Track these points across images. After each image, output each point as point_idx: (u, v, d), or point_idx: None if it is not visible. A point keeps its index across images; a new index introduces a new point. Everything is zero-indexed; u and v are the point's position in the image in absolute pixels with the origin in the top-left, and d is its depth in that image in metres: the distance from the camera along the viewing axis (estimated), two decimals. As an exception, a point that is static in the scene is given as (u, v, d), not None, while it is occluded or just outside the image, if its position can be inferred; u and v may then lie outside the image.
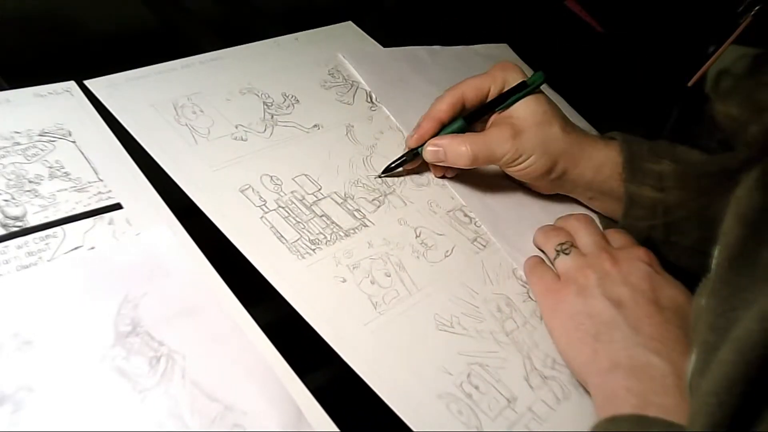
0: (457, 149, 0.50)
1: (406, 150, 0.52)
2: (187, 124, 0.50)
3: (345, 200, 0.49)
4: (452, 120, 0.52)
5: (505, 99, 0.51)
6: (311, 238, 0.45)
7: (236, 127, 0.51)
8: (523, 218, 0.53)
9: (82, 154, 0.45)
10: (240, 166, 0.48)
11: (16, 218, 0.39)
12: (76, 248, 0.39)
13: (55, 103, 0.47)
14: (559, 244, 0.47)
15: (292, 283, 0.42)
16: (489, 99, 0.52)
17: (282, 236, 0.44)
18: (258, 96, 0.55)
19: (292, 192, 0.48)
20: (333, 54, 0.63)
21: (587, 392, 0.42)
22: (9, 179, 0.41)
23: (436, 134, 0.51)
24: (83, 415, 0.32)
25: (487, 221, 0.52)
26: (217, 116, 0.52)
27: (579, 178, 0.52)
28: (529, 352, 0.44)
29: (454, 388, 0.40)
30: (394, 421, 0.37)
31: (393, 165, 0.52)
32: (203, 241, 0.42)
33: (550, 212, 0.55)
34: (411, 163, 0.52)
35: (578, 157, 0.51)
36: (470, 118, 0.52)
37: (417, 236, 0.49)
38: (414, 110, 0.57)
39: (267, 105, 0.54)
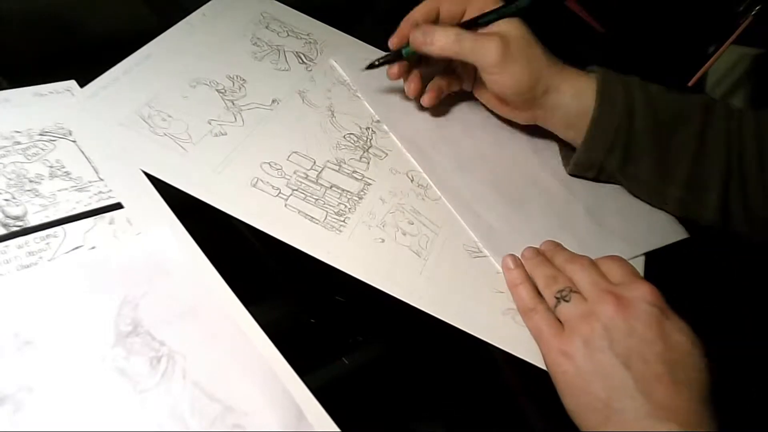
0: (445, 31, 0.51)
1: (388, 53, 0.54)
2: (165, 134, 0.48)
3: (340, 166, 0.51)
4: None
5: (494, 15, 0.52)
6: (335, 210, 0.48)
7: (209, 123, 0.50)
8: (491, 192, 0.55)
9: (83, 153, 0.45)
10: (236, 161, 0.49)
11: (16, 218, 0.39)
12: (76, 248, 0.39)
13: (56, 103, 0.47)
14: (558, 291, 0.45)
15: (340, 258, 0.45)
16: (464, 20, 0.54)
17: (312, 217, 0.47)
18: (208, 85, 0.54)
19: (294, 172, 0.49)
20: (243, 22, 0.62)
21: None
22: (9, 179, 0.41)
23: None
24: (83, 415, 0.32)
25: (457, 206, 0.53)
26: (186, 117, 0.50)
27: (559, 102, 0.53)
28: None
29: (510, 302, 0.47)
30: (394, 421, 0.37)
31: (377, 63, 0.54)
32: (204, 240, 0.42)
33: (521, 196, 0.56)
34: (394, 66, 0.55)
35: (559, 80, 0.53)
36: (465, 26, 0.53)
37: (412, 180, 0.53)
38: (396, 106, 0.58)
39: (221, 92, 0.54)
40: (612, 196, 0.58)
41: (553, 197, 0.56)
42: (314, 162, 0.51)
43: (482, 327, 0.44)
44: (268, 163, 0.49)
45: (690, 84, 0.81)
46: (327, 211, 0.47)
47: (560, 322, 0.44)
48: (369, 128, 0.55)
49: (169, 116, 0.50)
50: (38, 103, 0.47)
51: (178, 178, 0.45)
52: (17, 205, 0.40)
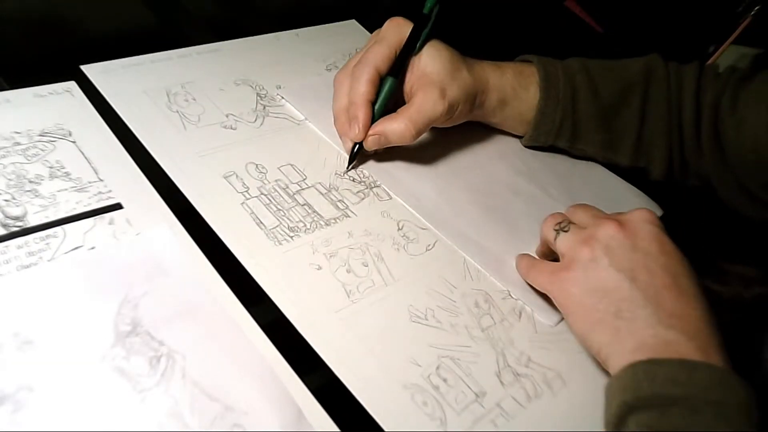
0: (398, 129, 0.50)
1: (354, 144, 0.51)
2: (178, 111, 0.51)
3: (329, 191, 0.50)
4: (379, 87, 0.51)
5: (417, 38, 0.51)
6: (290, 225, 0.46)
7: (227, 116, 0.52)
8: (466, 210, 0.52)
9: (83, 154, 0.45)
10: (227, 153, 0.49)
11: (16, 218, 0.39)
12: (76, 248, 0.39)
13: (55, 103, 0.47)
14: (557, 224, 0.45)
15: (267, 268, 0.42)
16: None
17: (261, 222, 0.45)
18: (252, 87, 0.56)
19: (276, 180, 0.49)
20: (333, 50, 0.63)
21: (560, 392, 0.42)
22: (9, 179, 0.41)
23: (372, 116, 0.51)
24: (83, 415, 0.32)
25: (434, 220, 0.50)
26: (209, 105, 0.52)
27: (486, 108, 0.55)
28: (503, 349, 0.43)
29: (421, 379, 0.40)
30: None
31: (352, 159, 0.51)
32: (203, 241, 0.42)
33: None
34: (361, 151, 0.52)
35: (485, 89, 0.54)
36: (396, 73, 0.51)
37: (399, 229, 0.49)
38: None
39: (260, 96, 0.55)
40: (585, 188, 0.58)
41: (536, 203, 0.55)
42: (304, 179, 0.49)
43: (370, 391, 0.38)
44: (255, 165, 0.49)
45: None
46: (281, 222, 0.45)
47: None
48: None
49: (194, 99, 0.52)
50: (38, 104, 0.47)
51: (158, 147, 0.47)
52: (17, 206, 0.40)
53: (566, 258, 0.43)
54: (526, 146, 0.60)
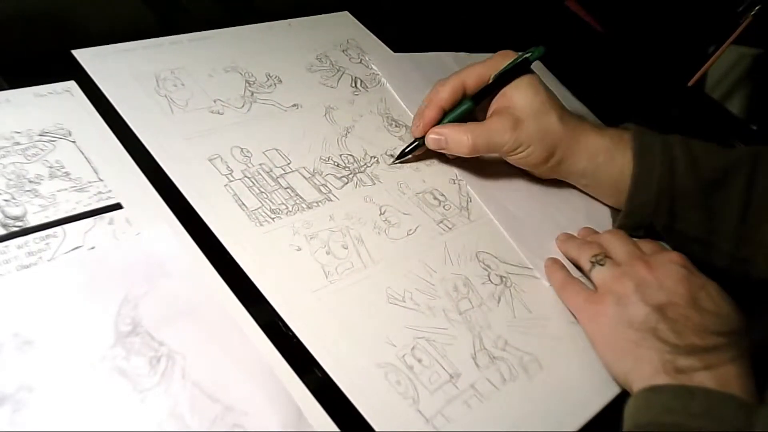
0: (459, 138, 0.51)
1: (413, 139, 0.53)
2: (166, 95, 0.51)
3: (313, 175, 0.50)
4: (457, 103, 0.53)
5: (510, 76, 0.52)
6: (272, 207, 0.46)
7: (214, 102, 0.52)
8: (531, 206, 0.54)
9: (82, 153, 0.45)
10: (213, 137, 0.49)
11: (16, 218, 0.39)
12: (76, 248, 0.39)
13: (55, 103, 0.47)
14: (593, 256, 0.47)
15: (246, 248, 0.43)
16: None
17: (243, 204, 0.45)
18: (241, 74, 0.56)
19: (260, 164, 0.49)
20: (324, 41, 0.63)
21: (536, 375, 0.42)
22: (9, 179, 0.41)
23: (439, 121, 0.52)
24: (83, 415, 0.32)
25: (495, 212, 0.52)
26: (197, 90, 0.53)
27: (573, 166, 0.53)
28: (480, 332, 0.43)
29: (395, 359, 0.40)
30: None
31: (405, 151, 0.53)
32: (203, 241, 0.42)
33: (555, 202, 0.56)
34: (419, 149, 0.53)
35: (574, 146, 0.52)
36: (477, 98, 0.52)
37: (381, 213, 0.49)
38: None
39: (249, 83, 0.55)
40: None
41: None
42: (288, 163, 0.50)
43: (343, 368, 0.38)
44: (240, 149, 0.49)
45: (690, 84, 0.81)
46: (262, 204, 0.46)
47: (593, 290, 0.46)
48: (375, 157, 0.53)
49: (182, 84, 0.52)
50: (38, 104, 0.47)
51: (144, 129, 0.47)
52: (17, 206, 0.40)
53: (600, 291, 0.46)
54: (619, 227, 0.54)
